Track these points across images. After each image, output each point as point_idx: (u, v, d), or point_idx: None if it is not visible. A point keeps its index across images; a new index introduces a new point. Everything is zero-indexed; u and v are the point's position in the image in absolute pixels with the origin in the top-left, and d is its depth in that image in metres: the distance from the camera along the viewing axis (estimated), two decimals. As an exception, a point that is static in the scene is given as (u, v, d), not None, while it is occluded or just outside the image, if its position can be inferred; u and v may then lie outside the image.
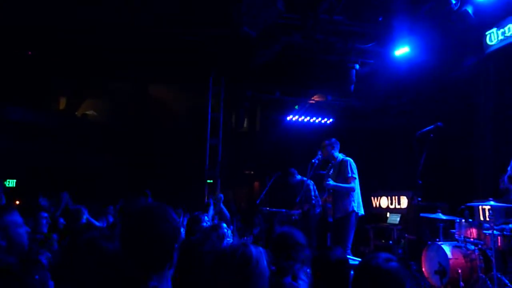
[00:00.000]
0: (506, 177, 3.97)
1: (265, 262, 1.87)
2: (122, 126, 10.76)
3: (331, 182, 5.09)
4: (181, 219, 5.98)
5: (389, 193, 9.06)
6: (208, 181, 9.53)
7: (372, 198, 9.36)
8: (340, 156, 5.37)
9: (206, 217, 6.48)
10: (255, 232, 8.50)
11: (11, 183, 9.31)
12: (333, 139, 5.47)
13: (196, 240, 2.85)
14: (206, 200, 8.61)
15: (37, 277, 2.18)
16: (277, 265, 2.19)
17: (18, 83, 9.19)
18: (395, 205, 8.86)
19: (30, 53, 8.35)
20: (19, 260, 2.10)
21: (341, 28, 7.18)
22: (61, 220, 5.10)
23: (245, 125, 10.93)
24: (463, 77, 6.83)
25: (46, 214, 4.25)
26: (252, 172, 11.66)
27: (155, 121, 10.83)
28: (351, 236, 4.89)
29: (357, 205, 5.02)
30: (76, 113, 11.10)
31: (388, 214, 8.54)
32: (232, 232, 5.91)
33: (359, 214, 5.04)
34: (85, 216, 4.72)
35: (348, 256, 4.50)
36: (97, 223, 4.89)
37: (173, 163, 10.27)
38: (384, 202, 9.27)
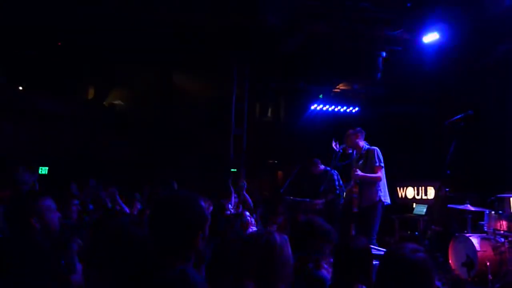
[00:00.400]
0: None
1: (289, 250, 1.90)
2: (148, 115, 10.95)
3: (359, 172, 5.04)
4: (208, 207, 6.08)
5: (415, 183, 8.91)
6: (232, 170, 9.62)
7: (398, 188, 9.22)
8: (366, 145, 5.30)
9: (230, 205, 6.59)
10: (279, 221, 8.54)
11: (43, 170, 9.65)
12: (358, 128, 5.39)
13: (220, 228, 2.89)
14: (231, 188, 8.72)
15: (63, 262, 2.27)
16: (300, 254, 2.20)
17: (48, 74, 9.47)
18: (421, 195, 8.70)
19: (59, 43, 8.55)
20: (51, 244, 2.20)
21: (367, 15, 7.02)
22: (90, 207, 5.27)
23: (269, 114, 10.94)
24: (496, 63, 6.58)
25: (77, 201, 4.40)
26: (276, 162, 11.66)
27: (180, 110, 10.96)
28: (377, 225, 4.85)
29: (384, 195, 4.98)
30: (104, 102, 11.36)
31: (414, 205, 8.42)
32: (256, 220, 5.97)
33: (386, 203, 4.99)
34: (117, 200, 4.87)
35: (373, 246, 4.48)
36: (126, 209, 5.03)
37: (198, 152, 10.40)
38: (410, 192, 9.12)
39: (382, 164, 5.02)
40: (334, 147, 5.95)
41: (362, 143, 5.32)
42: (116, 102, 11.33)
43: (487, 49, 6.72)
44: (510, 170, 6.32)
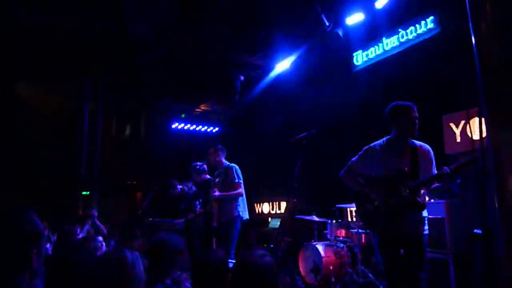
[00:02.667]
0: None
1: (141, 267, 1.85)
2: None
3: (217, 193, 5.16)
4: (47, 234, 5.45)
5: (270, 199, 9.54)
6: (84, 192, 8.85)
7: (255, 204, 9.73)
8: (226, 162, 5.48)
9: (79, 229, 6.03)
10: (136, 245, 8.15)
11: None
12: (219, 146, 5.56)
13: (66, 252, 2.63)
14: (80, 212, 8.01)
15: None
16: (153, 272, 2.16)
17: None
18: (276, 210, 9.37)
19: None
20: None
21: (227, 40, 7.39)
22: None
23: (127, 131, 10.49)
24: (336, 91, 7.60)
25: None
26: (134, 182, 11.16)
27: (22, 124, 9.67)
28: (235, 240, 5.00)
29: (243, 210, 5.17)
30: None
31: (269, 219, 8.99)
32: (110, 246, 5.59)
33: (244, 218, 5.19)
34: None
35: (230, 260, 4.61)
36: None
37: (41, 173, 9.28)
38: (266, 207, 9.73)
39: (241, 181, 5.24)
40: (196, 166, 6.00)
41: (223, 160, 5.49)
42: None
43: (328, 79, 7.73)
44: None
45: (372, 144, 3.34)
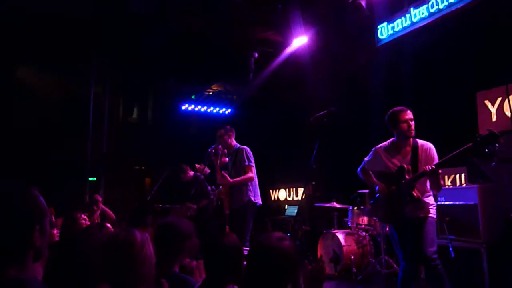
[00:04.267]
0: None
1: (151, 248, 1.86)
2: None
3: (228, 179, 5.12)
4: (54, 220, 5.55)
5: (287, 185, 9.54)
6: (91, 178, 9.00)
7: (271, 191, 9.75)
8: (237, 145, 5.45)
9: (86, 216, 6.15)
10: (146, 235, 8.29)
11: None
12: (228, 127, 5.51)
13: (71, 238, 2.67)
14: (87, 199, 8.15)
15: None
16: (160, 258, 2.17)
17: None
18: (293, 197, 9.37)
19: None
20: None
21: (240, 14, 7.30)
22: None
23: (134, 115, 10.56)
24: (357, 68, 7.47)
25: None
26: (143, 168, 11.29)
27: (25, 109, 9.83)
28: (248, 226, 5.00)
29: (254, 195, 5.15)
30: None
31: (286, 206, 9.01)
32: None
33: (258, 204, 5.18)
34: None
35: (245, 248, 4.63)
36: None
37: (47, 158, 9.45)
38: (282, 194, 9.74)
39: (252, 164, 5.19)
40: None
41: (234, 142, 5.46)
42: None
43: (351, 55, 7.60)
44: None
45: (378, 146, 3.93)
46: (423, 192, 3.67)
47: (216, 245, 2.27)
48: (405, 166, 3.69)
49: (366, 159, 4.03)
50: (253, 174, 5.13)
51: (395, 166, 3.77)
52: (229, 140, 5.41)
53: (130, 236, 1.83)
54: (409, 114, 3.73)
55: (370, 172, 4.01)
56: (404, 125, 3.68)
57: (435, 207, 3.71)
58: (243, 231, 4.85)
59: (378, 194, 3.91)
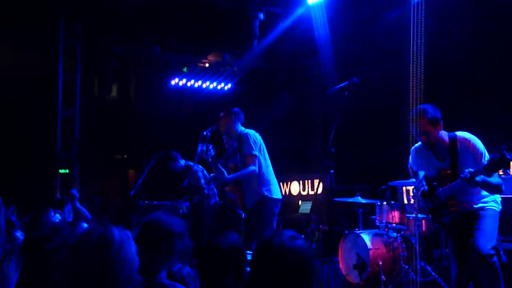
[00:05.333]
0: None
1: (132, 248, 1.86)
2: None
3: (226, 175, 5.07)
4: (15, 219, 5.64)
5: (301, 176, 9.52)
6: (63, 171, 9.04)
7: (281, 183, 9.75)
8: (240, 130, 5.37)
9: (58, 215, 6.24)
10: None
11: None
12: (235, 109, 5.45)
13: (40, 235, 2.70)
14: (58, 195, 8.22)
15: None
16: (146, 261, 2.18)
17: None
18: (308, 190, 9.36)
19: None
20: None
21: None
22: None
23: (113, 92, 10.56)
24: (385, 32, 7.38)
25: None
26: (125, 156, 11.34)
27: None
28: (269, 227, 4.99)
29: (268, 189, 5.10)
30: None
31: (300, 202, 9.01)
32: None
33: (275, 198, 5.15)
34: None
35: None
36: None
37: (10, 148, 9.50)
38: (295, 187, 9.74)
39: (255, 152, 5.09)
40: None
41: (237, 128, 5.38)
42: None
43: (377, 16, 7.50)
44: (404, 154, 7.16)
45: (413, 146, 4.22)
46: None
47: (211, 246, 2.28)
48: (443, 171, 3.89)
49: (410, 159, 4.32)
50: (255, 166, 5.07)
51: (434, 167, 3.99)
52: (231, 124, 5.34)
53: (106, 234, 1.82)
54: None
55: (419, 173, 4.17)
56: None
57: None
58: (261, 235, 4.86)
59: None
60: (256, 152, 5.11)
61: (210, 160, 5.09)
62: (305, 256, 1.93)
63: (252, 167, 5.07)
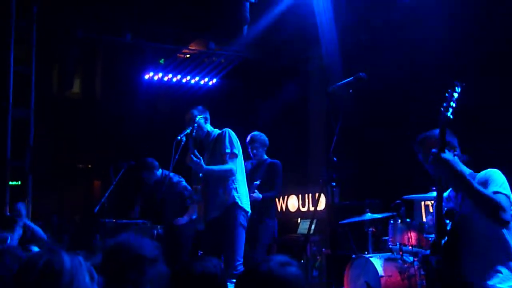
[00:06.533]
0: None
1: (87, 278, 1.87)
2: None
3: (203, 165, 5.08)
4: None
5: (300, 190, 9.54)
6: (14, 182, 9.05)
7: (277, 199, 9.77)
8: (216, 131, 5.50)
9: (9, 237, 6.29)
10: (95, 263, 8.35)
11: None
12: (200, 107, 5.54)
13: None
14: (8, 212, 8.22)
15: None
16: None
17: None
18: (308, 206, 9.38)
19: None
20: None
21: None
22: None
23: (75, 87, 10.59)
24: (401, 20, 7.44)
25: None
26: (89, 166, 11.36)
27: None
28: (239, 242, 5.02)
29: (241, 196, 5.17)
30: None
31: (299, 221, 9.02)
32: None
33: (246, 209, 5.17)
34: None
35: (235, 272, 4.65)
36: None
37: None
38: (293, 203, 9.75)
39: (236, 151, 5.22)
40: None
41: (210, 128, 5.48)
42: None
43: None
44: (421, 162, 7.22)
45: None
46: None
47: (182, 272, 2.30)
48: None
49: None
50: (234, 165, 5.16)
51: None
52: (204, 124, 5.43)
53: (53, 261, 1.83)
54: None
55: None
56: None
57: None
58: (231, 250, 4.88)
59: None
60: (236, 151, 5.23)
61: (191, 143, 5.15)
62: (298, 286, 1.95)
63: (231, 165, 5.17)
